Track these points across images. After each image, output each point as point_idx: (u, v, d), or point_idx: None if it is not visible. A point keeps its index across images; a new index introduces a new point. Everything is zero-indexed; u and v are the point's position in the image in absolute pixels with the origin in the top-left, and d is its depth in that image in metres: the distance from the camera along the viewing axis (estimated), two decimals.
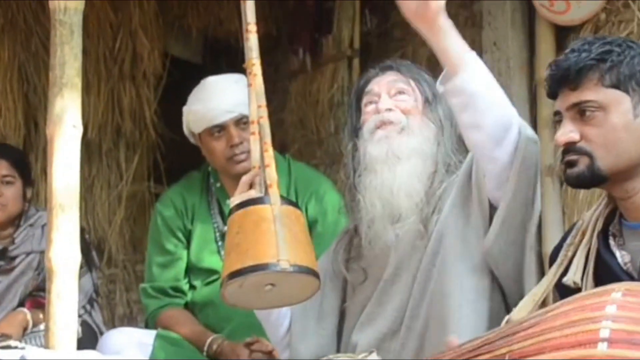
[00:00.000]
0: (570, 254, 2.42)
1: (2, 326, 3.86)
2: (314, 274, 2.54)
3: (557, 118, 2.40)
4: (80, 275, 3.74)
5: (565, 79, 2.36)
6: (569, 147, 2.36)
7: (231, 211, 2.66)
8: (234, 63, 4.98)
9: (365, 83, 2.96)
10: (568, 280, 2.38)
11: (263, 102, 2.70)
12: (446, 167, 2.82)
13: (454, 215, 2.74)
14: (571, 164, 2.36)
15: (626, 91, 2.32)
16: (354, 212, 2.90)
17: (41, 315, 3.75)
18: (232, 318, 3.53)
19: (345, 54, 5.02)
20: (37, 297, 3.98)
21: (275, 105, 5.40)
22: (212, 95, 3.57)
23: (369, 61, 4.72)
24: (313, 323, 2.94)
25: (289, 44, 5.36)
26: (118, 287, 5.00)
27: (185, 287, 3.68)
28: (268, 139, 2.68)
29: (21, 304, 4.02)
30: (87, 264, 4.04)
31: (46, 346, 2.74)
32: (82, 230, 4.09)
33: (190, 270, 3.68)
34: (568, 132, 2.35)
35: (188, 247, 3.68)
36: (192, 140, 3.69)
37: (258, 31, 5.31)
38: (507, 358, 1.89)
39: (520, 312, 2.35)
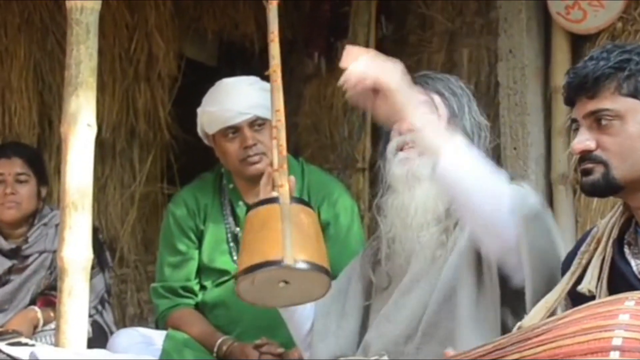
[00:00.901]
0: (584, 261, 2.41)
1: (13, 323, 3.87)
2: (322, 270, 2.54)
3: (574, 126, 2.39)
4: (93, 275, 3.77)
5: (582, 87, 2.35)
6: (585, 156, 2.34)
7: (249, 210, 2.69)
8: (249, 66, 5.03)
9: None
10: (583, 288, 2.36)
11: (281, 106, 2.70)
12: None
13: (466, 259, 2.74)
14: (587, 172, 2.34)
15: None
16: (378, 230, 2.92)
17: (52, 314, 3.75)
18: (243, 319, 3.53)
19: None
20: (48, 296, 3.99)
21: (289, 109, 5.39)
22: (227, 97, 3.57)
23: None
24: (335, 323, 2.95)
25: (305, 47, 5.36)
26: (129, 287, 5.01)
27: (196, 287, 3.67)
28: (283, 142, 2.67)
29: (33, 302, 4.03)
30: (100, 264, 4.04)
31: (56, 344, 2.74)
32: (96, 230, 4.10)
33: (201, 270, 3.68)
34: (584, 140, 2.34)
35: (200, 247, 3.67)
36: (205, 141, 3.69)
37: None
38: None
39: (532, 319, 2.33)
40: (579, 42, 4.00)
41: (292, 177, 2.76)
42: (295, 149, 5.23)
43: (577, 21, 3.96)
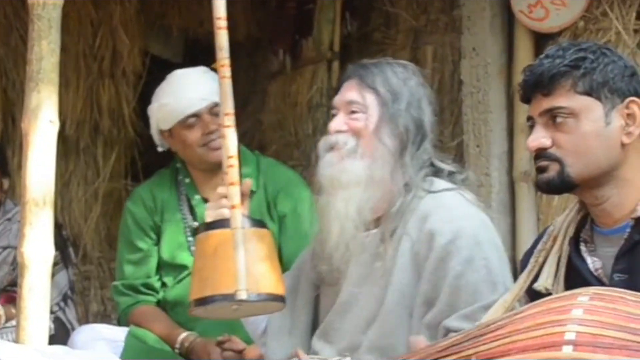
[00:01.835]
0: (541, 259, 2.42)
1: None
2: (275, 298, 2.55)
3: (530, 123, 2.40)
4: (56, 272, 3.76)
5: (538, 85, 2.36)
6: (540, 153, 2.35)
7: (198, 229, 2.68)
8: (214, 63, 5.01)
9: (337, 88, 2.92)
10: (539, 286, 2.38)
11: (230, 109, 2.57)
12: (407, 184, 2.73)
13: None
14: (542, 170, 2.35)
15: (598, 98, 2.31)
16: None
17: (14, 311, 3.73)
18: None
19: (324, 57, 5.03)
20: (10, 292, 3.97)
21: (254, 106, 5.41)
22: (182, 86, 3.58)
23: (348, 64, 4.73)
24: (288, 321, 2.93)
25: (270, 45, 5.37)
26: (93, 284, 4.99)
27: (157, 284, 3.67)
28: (233, 151, 2.56)
29: None
30: (64, 260, 4.02)
31: (17, 341, 2.73)
32: (60, 226, 4.08)
33: (162, 267, 3.68)
34: (539, 137, 2.35)
35: (158, 243, 3.67)
36: (158, 140, 3.68)
37: (241, 34, 5.34)
38: (474, 359, 1.90)
39: (491, 317, 2.35)
40: (541, 41, 4.02)
41: (248, 182, 2.78)
42: (260, 145, 5.23)
43: (539, 19, 3.98)
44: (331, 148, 2.76)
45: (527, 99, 2.41)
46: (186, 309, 3.51)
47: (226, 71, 2.61)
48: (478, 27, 4.18)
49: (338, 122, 2.77)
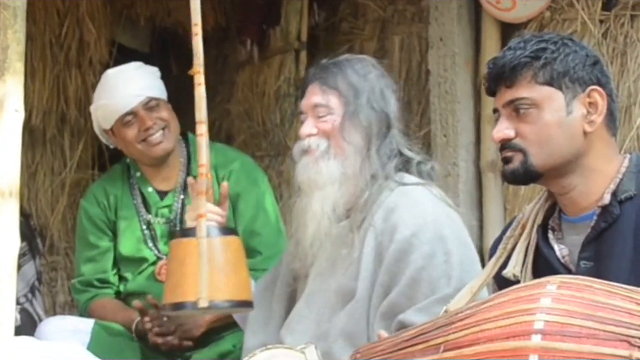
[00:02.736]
0: (509, 246, 2.44)
1: None
2: (239, 304, 2.69)
3: (496, 115, 2.42)
4: (23, 263, 3.72)
5: (501, 77, 2.37)
6: (505, 144, 2.37)
7: (174, 234, 2.89)
8: (182, 53, 4.99)
9: (301, 94, 2.95)
10: (508, 272, 2.39)
11: (204, 117, 2.70)
12: (373, 176, 2.78)
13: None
14: (507, 161, 2.37)
15: (559, 88, 2.33)
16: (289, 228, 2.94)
17: None
18: None
19: (292, 47, 5.02)
20: None
21: (222, 96, 5.39)
22: (116, 86, 3.61)
23: (316, 54, 4.72)
24: (263, 315, 2.95)
25: (238, 35, 5.35)
26: (60, 274, 4.95)
27: (114, 278, 3.72)
28: (204, 160, 2.70)
29: None
30: (31, 251, 3.99)
31: None
32: (28, 217, 4.05)
33: (120, 261, 3.71)
34: (503, 129, 2.36)
35: (115, 239, 3.70)
36: (104, 140, 3.72)
37: (208, 24, 5.32)
38: (442, 348, 1.90)
39: (457, 303, 2.36)
40: (508, 31, 4.03)
41: (225, 185, 2.95)
42: (227, 135, 5.23)
43: (506, 10, 3.99)
44: (305, 152, 2.82)
45: (491, 92, 2.43)
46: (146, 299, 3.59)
47: (201, 78, 2.73)
48: (445, 17, 4.18)
49: (308, 127, 2.83)
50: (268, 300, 2.95)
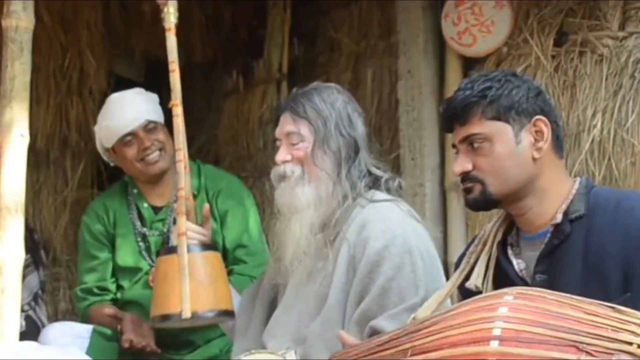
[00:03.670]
0: (472, 260, 2.44)
1: None
2: (220, 314, 2.75)
3: (455, 150, 2.43)
4: (27, 273, 3.71)
5: (454, 116, 2.39)
6: (465, 177, 2.38)
7: (160, 252, 2.94)
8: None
9: (275, 123, 2.92)
10: (470, 284, 2.40)
11: (182, 145, 2.74)
12: (345, 196, 2.75)
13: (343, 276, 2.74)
14: (468, 191, 2.38)
15: (507, 121, 2.34)
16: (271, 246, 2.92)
17: None
18: None
19: (274, 77, 5.04)
20: None
21: (210, 122, 5.40)
22: (118, 108, 3.63)
23: (296, 84, 4.71)
24: (244, 323, 2.94)
25: (224, 66, 5.37)
26: (62, 284, 4.94)
27: (112, 286, 3.72)
28: (183, 183, 2.75)
29: None
30: (35, 262, 3.97)
31: None
32: (32, 231, 4.03)
33: (117, 271, 3.71)
34: (462, 163, 2.37)
35: (113, 250, 3.70)
36: (105, 157, 3.72)
37: (197, 56, 5.32)
38: (410, 353, 1.90)
39: (425, 311, 2.36)
40: (470, 64, 4.05)
41: (207, 206, 2.97)
42: (215, 158, 5.22)
43: (468, 45, 4.01)
44: (282, 178, 2.79)
45: (448, 129, 2.44)
46: (140, 309, 3.62)
47: (178, 110, 2.78)
48: (413, 52, 4.20)
49: (283, 154, 2.80)
50: (249, 309, 2.95)
